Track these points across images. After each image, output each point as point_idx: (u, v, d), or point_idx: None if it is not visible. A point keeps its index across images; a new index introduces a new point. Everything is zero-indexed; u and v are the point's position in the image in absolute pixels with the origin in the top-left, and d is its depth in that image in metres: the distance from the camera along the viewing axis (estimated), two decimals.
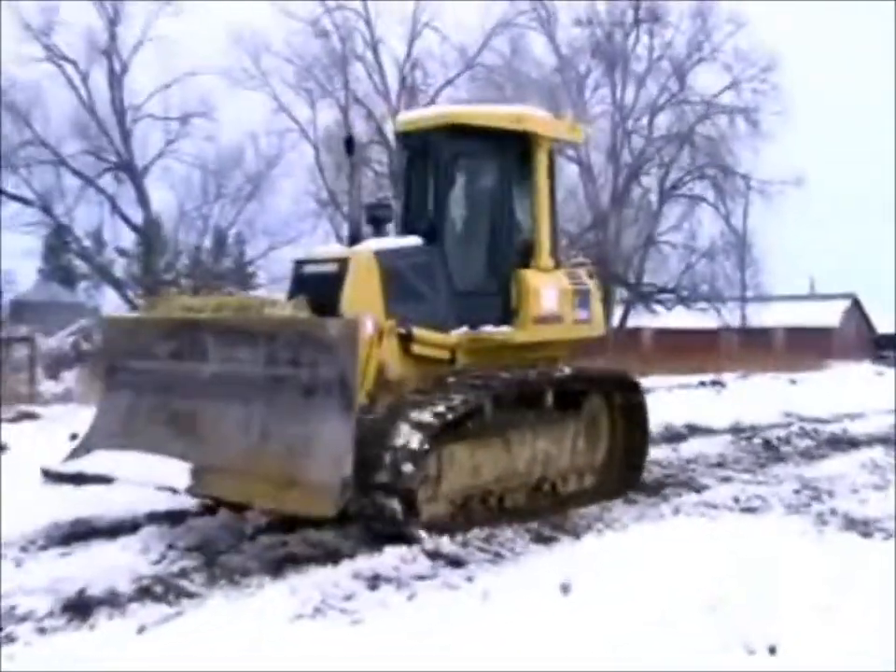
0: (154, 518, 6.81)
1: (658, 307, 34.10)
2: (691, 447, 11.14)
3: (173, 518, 6.80)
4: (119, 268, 30.70)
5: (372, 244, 7.24)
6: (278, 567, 5.72)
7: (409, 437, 6.09)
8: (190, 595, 5.20)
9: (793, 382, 20.42)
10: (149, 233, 29.67)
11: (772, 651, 4.18)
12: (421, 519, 6.29)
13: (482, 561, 5.90)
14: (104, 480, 6.27)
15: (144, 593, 5.25)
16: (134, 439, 6.43)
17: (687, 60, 31.68)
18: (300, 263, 7.32)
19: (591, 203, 31.75)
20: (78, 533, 6.54)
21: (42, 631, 4.69)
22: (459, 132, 7.56)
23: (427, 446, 6.16)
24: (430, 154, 7.77)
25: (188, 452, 6.03)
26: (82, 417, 8.06)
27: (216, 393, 6.22)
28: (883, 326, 48.71)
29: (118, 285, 29.84)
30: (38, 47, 27.91)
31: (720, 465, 9.94)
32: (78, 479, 6.38)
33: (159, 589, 5.32)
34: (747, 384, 20.13)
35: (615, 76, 31.83)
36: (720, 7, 30.84)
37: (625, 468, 8.37)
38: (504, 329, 7.65)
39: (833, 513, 7.41)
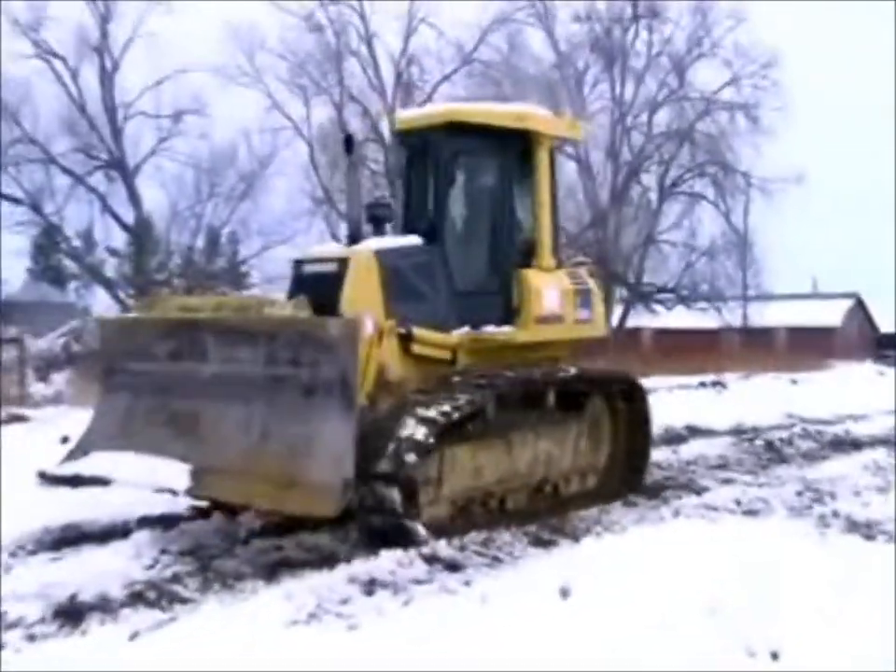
0: (146, 522, 6.73)
1: (658, 307, 33.94)
2: (691, 449, 11.08)
3: (165, 522, 6.72)
4: (110, 268, 30.45)
5: (372, 243, 7.19)
6: (273, 571, 5.66)
7: (415, 429, 6.07)
8: (184, 601, 5.15)
9: (795, 382, 20.32)
10: (141, 233, 29.42)
11: (774, 655, 4.14)
12: (421, 520, 6.23)
13: (479, 565, 5.83)
14: (101, 482, 6.20)
15: (136, 598, 5.19)
16: (133, 440, 6.37)
17: (687, 56, 31.46)
18: (299, 263, 7.27)
19: (590, 202, 31.58)
20: (70, 538, 6.48)
21: (32, 637, 4.62)
22: (459, 130, 7.50)
23: (432, 439, 6.13)
24: (430, 153, 7.73)
25: (187, 453, 5.98)
26: (73, 420, 7.99)
27: (215, 393, 6.17)
28: (885, 325, 48.46)
29: (108, 285, 29.58)
30: (27, 42, 27.70)
31: (720, 467, 9.89)
32: (75, 481, 6.31)
33: (151, 594, 5.26)
34: (748, 384, 20.02)
35: (614, 72, 31.64)
36: (719, 3, 30.67)
37: (627, 470, 8.32)
38: (505, 328, 7.61)
39: (836, 516, 7.37)
